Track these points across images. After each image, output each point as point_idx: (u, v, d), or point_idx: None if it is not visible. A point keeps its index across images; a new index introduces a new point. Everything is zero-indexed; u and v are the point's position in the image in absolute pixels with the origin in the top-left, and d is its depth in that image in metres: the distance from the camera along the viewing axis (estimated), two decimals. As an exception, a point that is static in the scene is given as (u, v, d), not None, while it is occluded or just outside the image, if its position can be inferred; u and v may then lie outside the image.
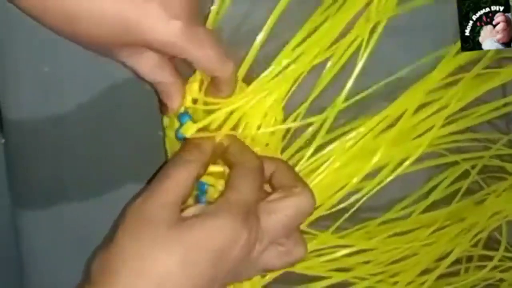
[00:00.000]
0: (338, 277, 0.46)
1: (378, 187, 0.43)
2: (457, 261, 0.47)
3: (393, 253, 0.47)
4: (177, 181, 0.37)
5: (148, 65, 0.37)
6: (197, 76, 0.40)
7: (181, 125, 0.40)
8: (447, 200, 0.47)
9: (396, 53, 0.41)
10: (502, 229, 0.47)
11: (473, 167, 0.46)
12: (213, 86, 0.39)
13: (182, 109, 0.41)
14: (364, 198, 0.43)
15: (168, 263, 0.33)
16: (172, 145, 0.43)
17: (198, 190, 0.41)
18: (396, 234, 0.47)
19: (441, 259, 0.47)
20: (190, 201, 0.40)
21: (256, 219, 0.37)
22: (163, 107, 0.40)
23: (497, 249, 0.47)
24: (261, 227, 0.37)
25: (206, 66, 0.37)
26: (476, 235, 0.46)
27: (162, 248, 0.34)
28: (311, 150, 0.42)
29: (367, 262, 0.46)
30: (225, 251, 0.35)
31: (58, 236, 0.46)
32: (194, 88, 0.40)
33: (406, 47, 0.41)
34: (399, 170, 0.43)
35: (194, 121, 0.40)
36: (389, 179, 0.43)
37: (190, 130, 0.40)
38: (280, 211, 0.38)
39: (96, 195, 0.45)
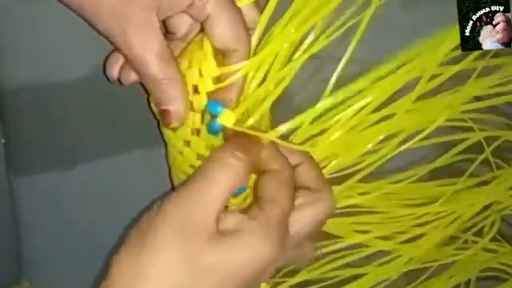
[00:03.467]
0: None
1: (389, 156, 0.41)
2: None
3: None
4: (222, 187, 0.33)
5: (155, 57, 0.34)
6: (206, 48, 0.36)
7: (214, 115, 0.35)
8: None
9: (396, 53, 0.41)
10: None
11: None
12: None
13: (205, 98, 0.36)
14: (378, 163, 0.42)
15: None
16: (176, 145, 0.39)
17: None
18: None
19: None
20: None
21: (288, 233, 0.35)
22: (166, 117, 0.37)
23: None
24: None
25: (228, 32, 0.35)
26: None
27: (199, 273, 0.32)
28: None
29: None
30: (260, 274, 0.33)
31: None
32: (211, 65, 0.35)
33: (405, 47, 0.41)
34: (410, 143, 0.42)
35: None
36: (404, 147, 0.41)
37: (231, 118, 0.35)
38: (306, 220, 0.36)
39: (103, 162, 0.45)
